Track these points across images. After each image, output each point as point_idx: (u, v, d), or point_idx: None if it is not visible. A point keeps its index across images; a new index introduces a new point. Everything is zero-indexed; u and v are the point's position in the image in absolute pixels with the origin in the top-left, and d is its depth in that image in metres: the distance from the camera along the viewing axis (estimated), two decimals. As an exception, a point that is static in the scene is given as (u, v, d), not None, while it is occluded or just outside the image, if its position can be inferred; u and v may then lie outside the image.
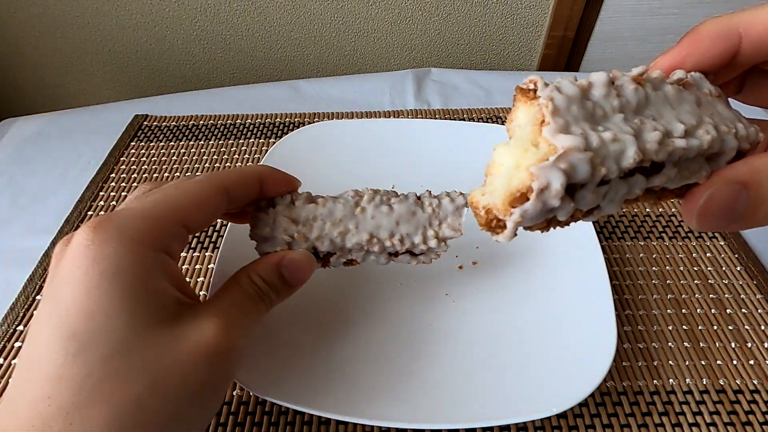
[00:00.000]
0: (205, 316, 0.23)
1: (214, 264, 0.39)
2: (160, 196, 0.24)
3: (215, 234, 0.45)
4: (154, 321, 0.21)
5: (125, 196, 0.50)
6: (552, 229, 0.18)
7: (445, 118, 0.59)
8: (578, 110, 0.16)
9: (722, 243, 0.43)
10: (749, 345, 0.36)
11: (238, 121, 0.60)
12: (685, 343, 0.36)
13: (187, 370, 0.21)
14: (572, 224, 0.18)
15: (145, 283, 0.21)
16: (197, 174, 0.52)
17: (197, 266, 0.42)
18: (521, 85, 0.17)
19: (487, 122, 0.55)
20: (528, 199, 0.16)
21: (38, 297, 0.40)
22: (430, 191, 0.32)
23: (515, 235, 0.17)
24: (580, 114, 0.16)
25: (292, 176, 0.30)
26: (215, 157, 0.54)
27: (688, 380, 0.34)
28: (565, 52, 0.83)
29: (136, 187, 0.50)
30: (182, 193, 0.25)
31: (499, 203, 0.17)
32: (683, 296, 0.39)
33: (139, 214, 0.23)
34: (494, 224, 0.17)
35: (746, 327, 0.37)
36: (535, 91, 0.17)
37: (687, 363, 0.35)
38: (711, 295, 0.39)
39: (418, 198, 0.31)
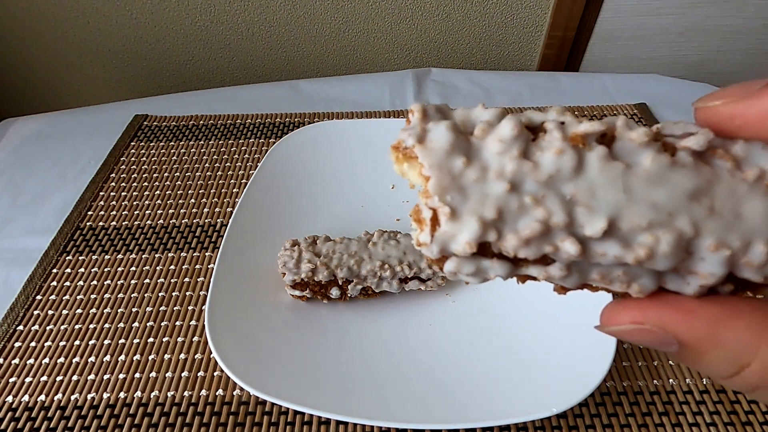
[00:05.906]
0: None
1: (214, 264, 0.39)
2: None
3: (215, 234, 0.45)
4: None
5: (125, 196, 0.50)
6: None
7: (445, 118, 0.59)
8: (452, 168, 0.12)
9: (722, 243, 0.43)
10: (749, 345, 0.36)
11: (238, 121, 0.60)
12: (685, 343, 0.36)
13: None
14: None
15: None
16: (197, 174, 0.52)
17: (197, 266, 0.42)
18: (394, 144, 0.14)
19: (487, 122, 0.55)
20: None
21: (38, 297, 0.40)
22: None
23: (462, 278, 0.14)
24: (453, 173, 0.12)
25: None
26: (215, 157, 0.54)
27: (688, 380, 0.34)
28: (565, 52, 0.83)
29: (136, 187, 0.51)
30: None
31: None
32: (683, 296, 0.39)
33: None
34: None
35: (746, 327, 0.37)
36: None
37: (687, 363, 0.35)
38: (711, 295, 0.39)
39: None
